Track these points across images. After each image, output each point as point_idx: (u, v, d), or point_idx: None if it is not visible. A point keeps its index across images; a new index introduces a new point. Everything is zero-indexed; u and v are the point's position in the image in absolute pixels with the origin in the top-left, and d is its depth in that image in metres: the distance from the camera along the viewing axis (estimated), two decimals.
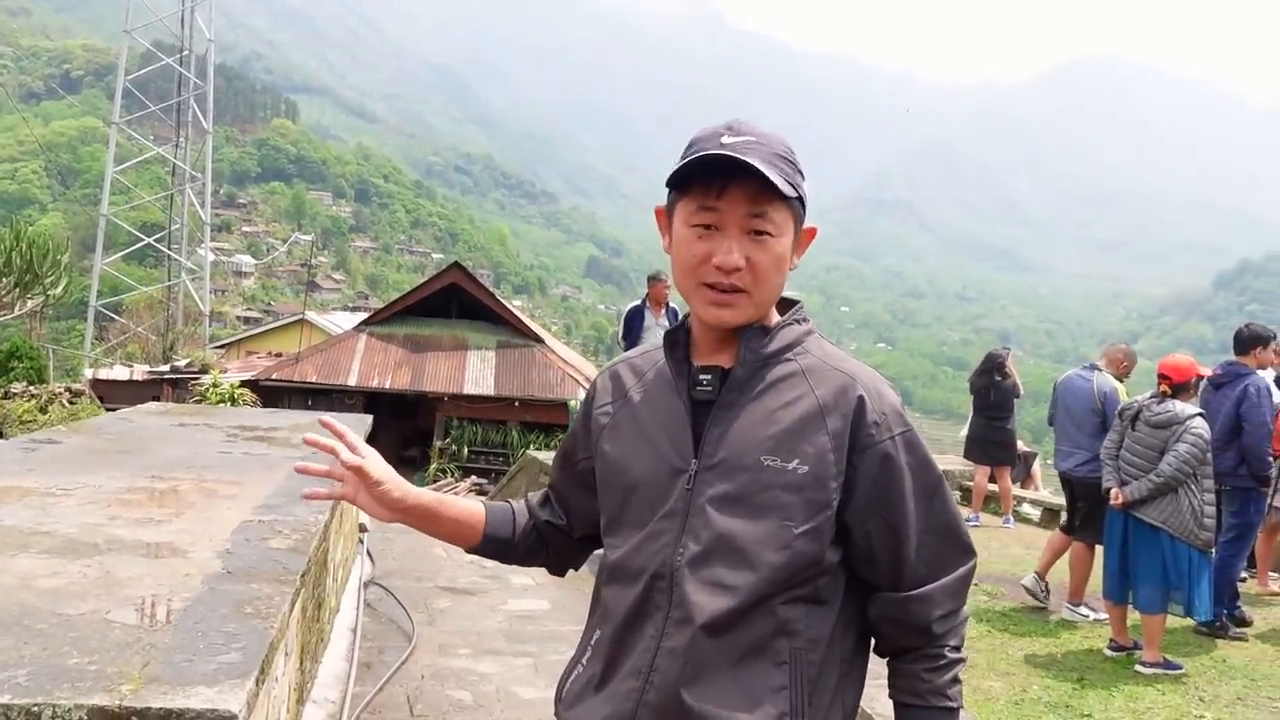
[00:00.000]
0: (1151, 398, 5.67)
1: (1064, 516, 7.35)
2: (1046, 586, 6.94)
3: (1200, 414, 5.51)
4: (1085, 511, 6.71)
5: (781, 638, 1.43)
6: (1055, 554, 6.94)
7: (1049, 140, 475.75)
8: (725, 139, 1.43)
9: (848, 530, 1.47)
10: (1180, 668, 5.45)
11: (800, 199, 1.47)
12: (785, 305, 1.57)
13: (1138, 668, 5.46)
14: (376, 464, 1.57)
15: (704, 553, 1.44)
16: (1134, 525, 5.58)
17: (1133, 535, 5.59)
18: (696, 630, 1.42)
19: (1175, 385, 5.57)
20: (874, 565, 1.49)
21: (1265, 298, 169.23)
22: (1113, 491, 5.67)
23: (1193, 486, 5.39)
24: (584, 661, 1.56)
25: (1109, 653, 5.77)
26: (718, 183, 1.43)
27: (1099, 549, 6.45)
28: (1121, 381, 6.81)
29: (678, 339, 1.57)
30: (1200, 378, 5.72)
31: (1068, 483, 7.06)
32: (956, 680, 1.52)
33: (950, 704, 1.51)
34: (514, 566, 6.97)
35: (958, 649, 1.53)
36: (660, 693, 1.42)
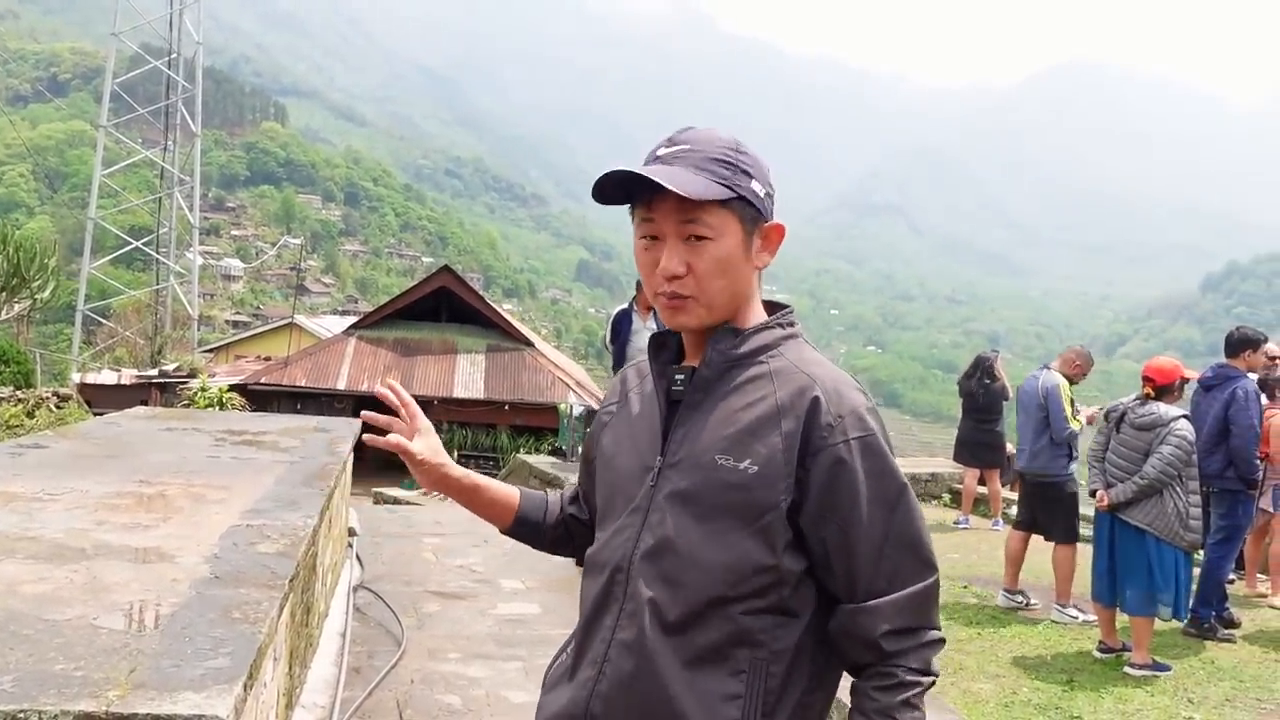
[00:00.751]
0: (1136, 400, 5.70)
1: (1015, 512, 7.45)
2: (1023, 594, 6.97)
3: (1185, 416, 5.53)
4: (1048, 512, 6.79)
5: (743, 647, 1.43)
6: (1015, 563, 6.98)
7: (1037, 144, 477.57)
8: (660, 151, 1.51)
9: (804, 536, 1.46)
10: (1169, 669, 5.47)
11: (742, 198, 1.47)
12: (775, 310, 1.58)
13: (1127, 669, 5.48)
14: (433, 437, 1.70)
15: (656, 548, 1.47)
16: (1120, 527, 5.61)
17: (1119, 537, 5.62)
18: (644, 624, 1.45)
19: (1159, 387, 5.60)
20: (830, 574, 1.47)
21: (1252, 300, 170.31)
22: (1098, 493, 5.70)
23: (1177, 489, 5.41)
24: (568, 650, 1.61)
25: (1098, 654, 5.79)
26: (647, 195, 1.46)
27: (1083, 548, 6.51)
28: (1075, 383, 6.88)
29: (666, 342, 1.61)
30: (1185, 380, 5.74)
31: (1022, 480, 7.21)
32: (911, 705, 1.43)
33: None
34: (504, 571, 7.00)
35: (919, 671, 1.45)
36: (611, 684, 1.46)
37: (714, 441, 1.47)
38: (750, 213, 1.49)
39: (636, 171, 1.45)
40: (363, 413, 1.69)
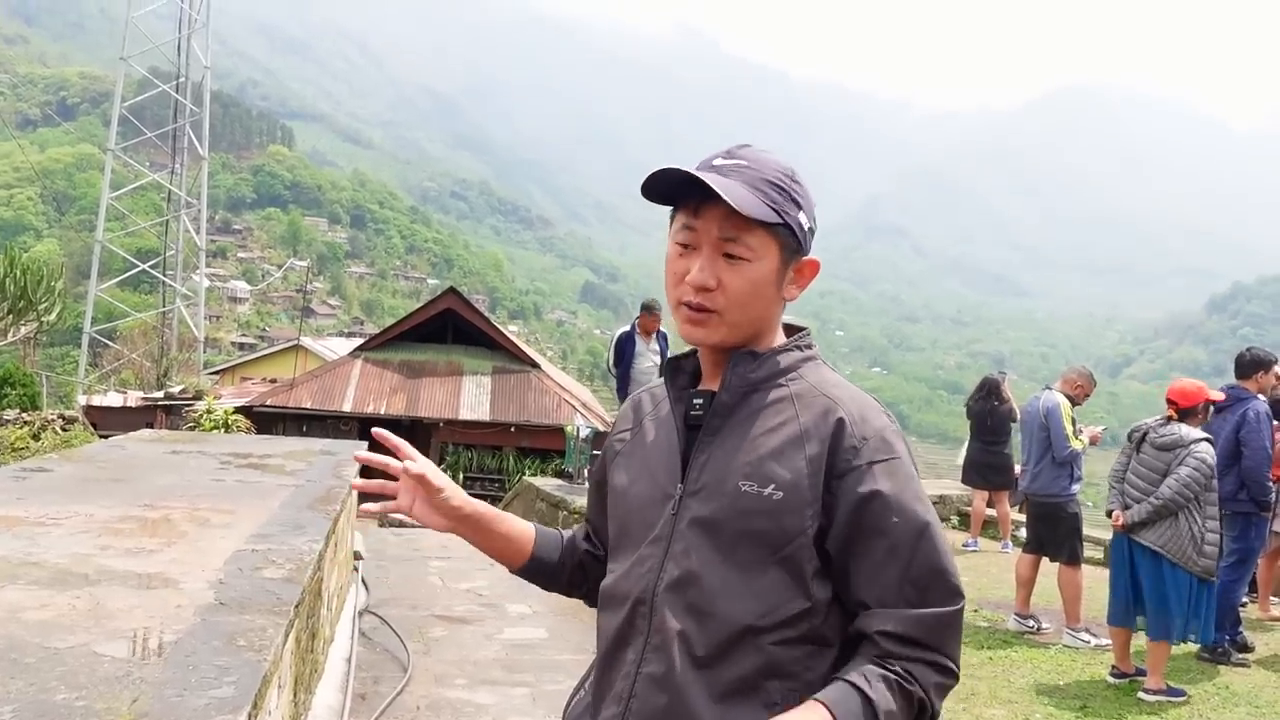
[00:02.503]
0: (1159, 421, 5.65)
1: (1024, 534, 7.41)
2: (1034, 618, 6.91)
3: (1206, 439, 5.46)
4: (1051, 532, 6.74)
5: (774, 679, 1.39)
6: (1026, 585, 6.93)
7: (1041, 166, 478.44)
8: (717, 161, 1.47)
9: (830, 560, 1.42)
10: (1184, 695, 5.40)
11: (788, 226, 1.45)
12: (792, 332, 1.56)
13: (1141, 695, 5.41)
14: (436, 472, 1.59)
15: (682, 578, 1.43)
16: (1137, 550, 5.55)
17: (1137, 560, 5.55)
18: (673, 657, 1.40)
19: (1182, 410, 5.55)
20: (852, 597, 1.41)
21: (1258, 321, 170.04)
22: (1114, 514, 5.64)
23: (1194, 512, 5.33)
24: (586, 687, 1.57)
25: (1110, 679, 5.72)
26: (695, 202, 1.44)
27: (1091, 570, 6.46)
28: (1078, 403, 6.85)
29: (683, 366, 1.58)
30: (1210, 403, 5.70)
31: (1028, 501, 7.19)
32: (895, 689, 1.33)
33: (866, 690, 1.32)
34: (511, 595, 6.95)
35: (911, 678, 1.35)
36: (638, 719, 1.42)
37: (737, 467, 1.43)
38: (792, 242, 1.48)
39: (696, 174, 1.42)
40: (373, 430, 1.65)
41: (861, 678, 1.34)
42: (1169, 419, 5.58)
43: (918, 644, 1.36)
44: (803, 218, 1.48)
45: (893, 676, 1.34)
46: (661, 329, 9.78)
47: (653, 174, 1.45)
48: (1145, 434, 5.66)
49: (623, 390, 9.88)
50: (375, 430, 1.66)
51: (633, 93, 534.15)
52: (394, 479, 1.60)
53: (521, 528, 1.70)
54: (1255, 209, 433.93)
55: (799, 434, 1.42)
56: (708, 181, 1.40)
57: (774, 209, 1.43)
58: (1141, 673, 5.65)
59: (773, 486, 1.40)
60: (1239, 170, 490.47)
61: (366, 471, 1.67)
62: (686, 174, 1.42)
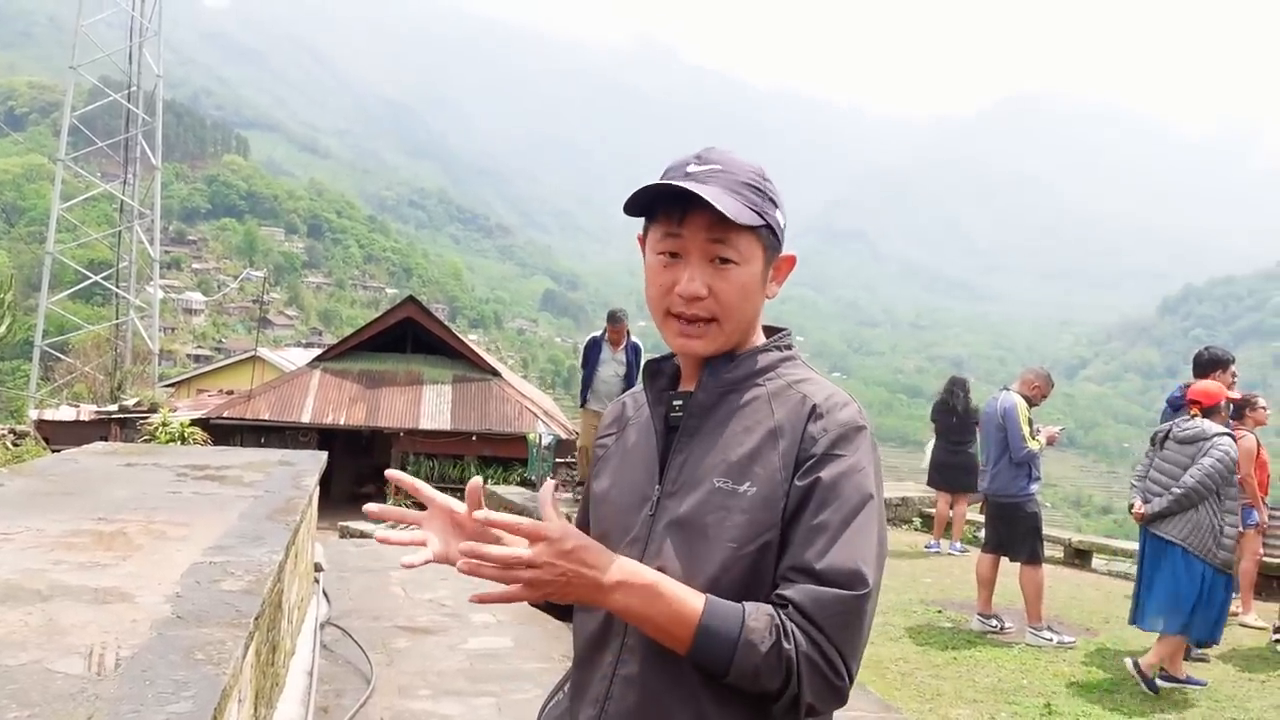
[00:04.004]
0: (1181, 419, 5.74)
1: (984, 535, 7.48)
2: (997, 618, 6.97)
3: (1228, 433, 5.56)
4: (1010, 531, 6.81)
5: None
6: (988, 586, 7.00)
7: (995, 172, 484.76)
8: (690, 168, 1.45)
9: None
10: (1205, 683, 5.55)
11: (769, 227, 1.46)
12: (772, 333, 1.56)
13: (1159, 681, 5.50)
14: (476, 496, 1.47)
15: None
16: (1152, 544, 5.62)
17: (1150, 554, 5.62)
18: (648, 657, 1.39)
19: (1205, 409, 5.66)
20: (780, 562, 1.37)
21: (1209, 322, 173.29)
22: (1135, 505, 5.71)
23: (1214, 504, 5.40)
24: (565, 690, 1.56)
25: (1161, 683, 5.67)
26: (678, 211, 1.43)
27: (1049, 568, 6.53)
28: (1035, 404, 6.93)
29: (662, 368, 1.57)
30: (1230, 401, 5.80)
31: (986, 501, 7.27)
32: (771, 631, 1.30)
33: (745, 612, 1.31)
34: (475, 605, 6.88)
35: (789, 637, 1.30)
36: None
37: (713, 466, 1.42)
38: (773, 242, 1.49)
39: (684, 186, 1.40)
40: (387, 472, 1.52)
41: (750, 604, 1.33)
42: (1192, 418, 5.67)
43: (810, 619, 1.31)
44: (779, 215, 1.49)
45: (777, 619, 1.31)
46: (635, 340, 9.82)
47: (641, 190, 1.43)
48: (1168, 432, 5.75)
49: (583, 394, 9.97)
50: (389, 473, 1.56)
51: (591, 101, 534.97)
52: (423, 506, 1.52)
53: None
54: (1202, 212, 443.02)
55: (773, 430, 1.42)
56: (698, 192, 1.38)
57: (755, 211, 1.43)
58: (1194, 681, 5.71)
59: (748, 483, 1.39)
60: (1185, 175, 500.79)
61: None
62: (681, 189, 1.40)
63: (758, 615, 1.31)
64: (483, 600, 1.33)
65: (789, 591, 1.33)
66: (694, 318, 1.45)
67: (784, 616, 1.32)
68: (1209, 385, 5.85)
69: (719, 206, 1.37)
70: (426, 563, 1.44)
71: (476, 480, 1.48)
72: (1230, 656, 6.33)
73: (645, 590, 1.32)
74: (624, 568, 1.33)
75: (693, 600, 1.32)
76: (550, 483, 1.44)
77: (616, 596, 1.32)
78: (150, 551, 3.06)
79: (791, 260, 1.54)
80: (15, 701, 1.73)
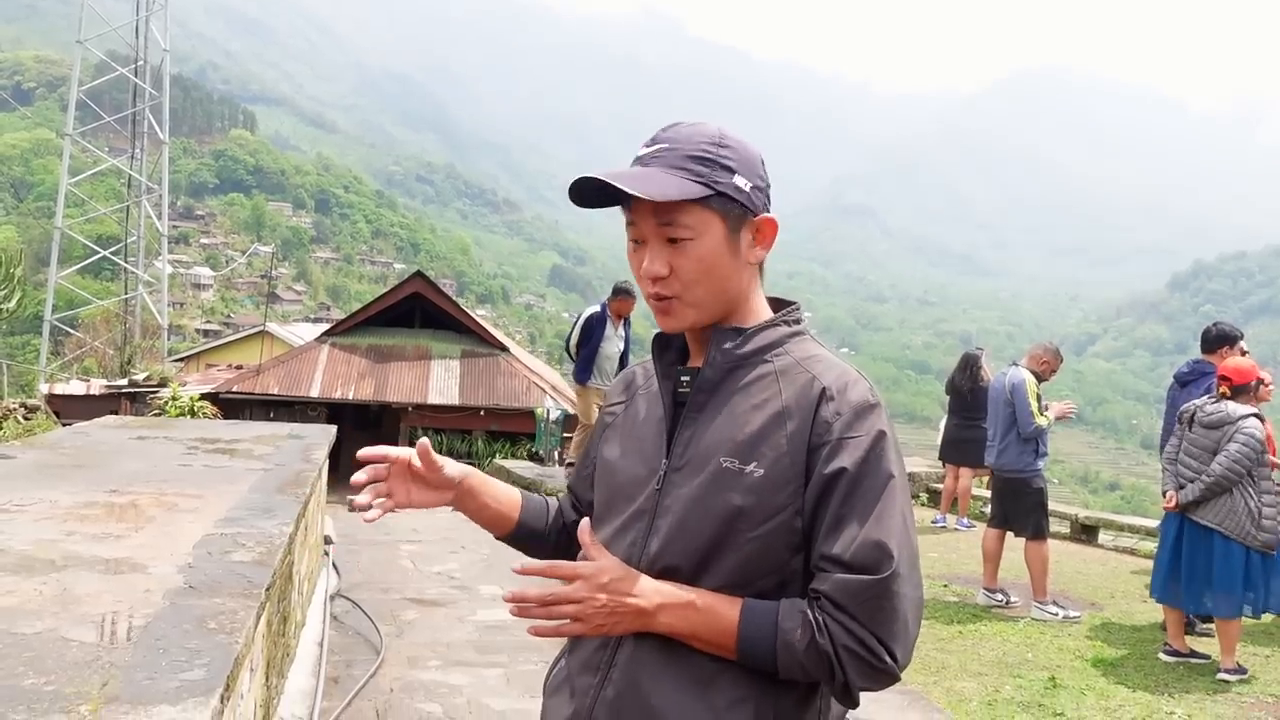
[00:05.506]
0: (1210, 399, 5.70)
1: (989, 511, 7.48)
2: (1002, 592, 6.99)
3: (1256, 414, 5.48)
4: (1015, 507, 6.82)
5: None
6: (993, 560, 7.01)
7: (1004, 147, 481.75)
8: (641, 151, 1.48)
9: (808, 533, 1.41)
10: (1245, 672, 5.45)
11: (722, 194, 1.43)
12: (781, 308, 1.55)
13: (1221, 676, 5.40)
14: (427, 451, 1.61)
15: (661, 552, 1.44)
16: (1189, 528, 5.58)
17: (1187, 538, 5.58)
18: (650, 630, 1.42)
19: (1235, 387, 5.57)
20: (810, 557, 1.40)
21: (1219, 298, 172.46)
22: (1167, 494, 5.69)
23: (1248, 487, 5.36)
24: (568, 654, 1.58)
25: (1164, 658, 5.71)
26: (626, 196, 1.43)
27: (1055, 544, 6.53)
28: (1044, 380, 6.92)
29: (670, 342, 1.58)
30: (1261, 381, 5.73)
31: (993, 476, 7.27)
32: (806, 627, 1.34)
33: (778, 613, 1.36)
34: (483, 577, 6.93)
35: (824, 631, 1.33)
36: (617, 690, 1.43)
37: (719, 444, 1.43)
38: (734, 209, 1.45)
39: (603, 178, 1.40)
40: (359, 453, 1.61)
41: (785, 604, 1.37)
42: (1221, 396, 5.61)
43: (841, 609, 1.33)
44: (740, 180, 1.45)
45: (809, 616, 1.35)
46: (628, 316, 9.53)
47: (572, 187, 1.44)
48: (1194, 413, 5.69)
49: (584, 372, 9.52)
50: (361, 453, 1.63)
51: (597, 75, 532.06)
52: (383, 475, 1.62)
53: (509, 494, 1.72)
54: (1215, 188, 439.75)
55: (781, 411, 1.41)
56: (613, 181, 1.39)
57: (699, 182, 1.42)
58: (1196, 654, 5.71)
59: (754, 464, 1.39)
60: (1198, 151, 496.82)
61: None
62: (598, 181, 1.41)
63: (791, 615, 1.36)
64: (539, 634, 1.44)
65: (820, 584, 1.36)
66: (659, 296, 1.47)
67: (817, 610, 1.35)
68: (1241, 363, 5.74)
69: (636, 191, 1.38)
70: (388, 512, 1.60)
71: (424, 441, 1.61)
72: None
73: (686, 609, 1.39)
74: (661, 590, 1.40)
75: (729, 612, 1.38)
76: (585, 522, 1.49)
77: (661, 619, 1.39)
78: (162, 523, 3.09)
79: (772, 223, 1.50)
80: (31, 669, 1.76)
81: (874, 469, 1.37)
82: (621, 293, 9.41)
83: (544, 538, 1.73)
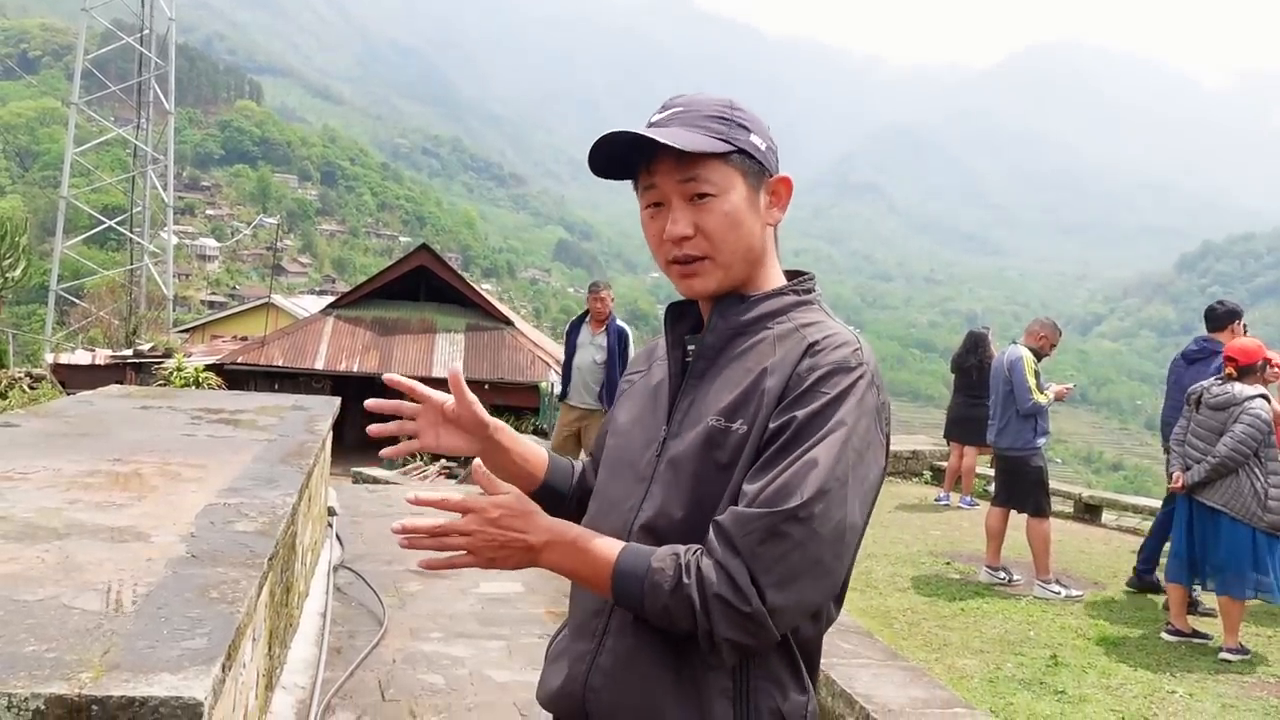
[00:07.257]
0: (1216, 380, 5.68)
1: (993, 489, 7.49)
2: (1005, 570, 7.00)
3: (1262, 394, 5.46)
4: (1016, 485, 6.82)
5: None
6: (996, 538, 7.01)
7: (1013, 124, 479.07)
8: (655, 116, 1.48)
9: None
10: (1248, 653, 5.45)
11: (742, 152, 1.44)
12: (794, 277, 1.54)
13: (1223, 656, 5.39)
14: (460, 387, 1.60)
15: (654, 516, 1.43)
16: (1197, 509, 5.58)
17: (1197, 519, 5.58)
18: None
19: (1241, 367, 5.55)
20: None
21: (1226, 280, 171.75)
22: (1174, 475, 5.68)
23: (1255, 468, 5.34)
24: (566, 628, 1.59)
25: (1166, 637, 5.72)
26: (646, 161, 1.44)
27: (1058, 523, 6.52)
28: (1043, 356, 6.91)
29: (686, 312, 1.58)
30: (1267, 361, 5.69)
31: (995, 455, 7.29)
32: (674, 569, 1.30)
33: (650, 556, 1.33)
34: None
35: (688, 572, 1.29)
36: (611, 656, 1.43)
37: (712, 406, 1.43)
38: (753, 166, 1.46)
39: (628, 131, 1.41)
40: (385, 376, 1.63)
41: (664, 547, 1.35)
42: (1229, 377, 5.58)
43: (727, 539, 1.28)
44: (756, 139, 1.46)
45: (681, 558, 1.31)
46: (621, 325, 8.18)
47: (595, 147, 1.44)
48: (1201, 395, 5.67)
49: (565, 381, 8.38)
50: (387, 376, 1.64)
51: (606, 51, 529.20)
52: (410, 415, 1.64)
53: (536, 452, 1.71)
54: (1224, 167, 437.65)
55: (766, 369, 1.40)
56: (645, 134, 1.39)
57: (721, 139, 1.42)
58: (1199, 634, 5.71)
59: (739, 421, 1.39)
60: (1208, 129, 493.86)
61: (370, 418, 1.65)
62: (627, 134, 1.41)
63: (663, 557, 1.33)
64: (429, 566, 1.41)
65: (718, 515, 1.33)
66: (687, 258, 1.45)
67: (694, 552, 1.31)
68: (1247, 342, 5.71)
69: (673, 143, 1.38)
70: (407, 453, 1.63)
71: (456, 366, 1.61)
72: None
73: (569, 546, 1.38)
74: (551, 528, 1.38)
75: (611, 550, 1.37)
76: (478, 463, 1.51)
77: (545, 555, 1.38)
78: (165, 492, 3.09)
79: (788, 182, 1.51)
80: (34, 636, 1.75)
81: (822, 417, 1.32)
82: (590, 291, 8.41)
83: (565, 498, 1.72)
